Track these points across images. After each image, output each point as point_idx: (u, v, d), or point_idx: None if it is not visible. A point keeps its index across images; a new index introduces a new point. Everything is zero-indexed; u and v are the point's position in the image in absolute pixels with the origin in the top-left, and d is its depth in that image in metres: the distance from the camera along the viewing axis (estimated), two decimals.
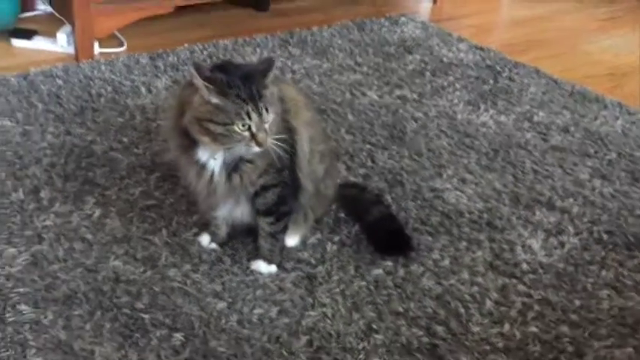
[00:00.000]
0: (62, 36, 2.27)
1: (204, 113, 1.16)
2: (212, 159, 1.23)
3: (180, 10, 2.45)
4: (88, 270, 1.34)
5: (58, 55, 2.26)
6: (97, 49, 2.26)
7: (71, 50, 2.26)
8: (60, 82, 2.03)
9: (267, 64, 1.22)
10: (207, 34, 2.49)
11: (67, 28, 2.29)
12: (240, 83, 1.16)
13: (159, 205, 1.54)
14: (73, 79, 2.06)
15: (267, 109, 1.17)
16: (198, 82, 1.15)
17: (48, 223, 1.46)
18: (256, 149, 1.18)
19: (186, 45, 2.33)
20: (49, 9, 2.42)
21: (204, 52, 2.30)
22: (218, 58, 2.26)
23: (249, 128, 1.16)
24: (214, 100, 1.15)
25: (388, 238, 1.44)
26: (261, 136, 1.17)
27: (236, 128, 1.16)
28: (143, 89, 2.04)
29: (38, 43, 2.30)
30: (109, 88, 2.03)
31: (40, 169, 1.63)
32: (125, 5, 2.24)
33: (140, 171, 1.66)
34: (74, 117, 1.87)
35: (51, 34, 2.32)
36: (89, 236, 1.43)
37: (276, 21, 2.69)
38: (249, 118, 1.16)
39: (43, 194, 1.54)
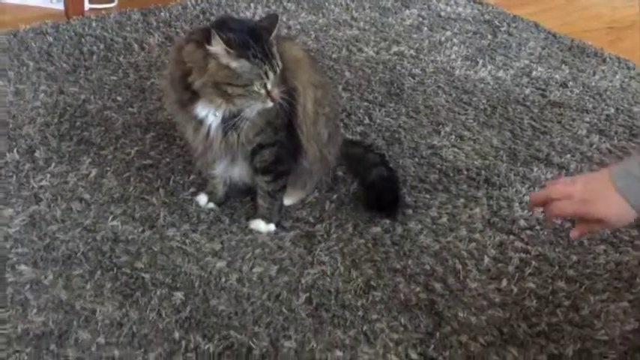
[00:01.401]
0: None
1: (223, 78, 1.15)
2: (212, 115, 1.22)
3: None
4: (87, 230, 1.34)
5: (47, 11, 2.21)
6: (87, 4, 2.21)
7: (60, 6, 2.20)
8: (51, 39, 1.99)
9: (272, 21, 1.21)
10: None
11: None
12: (254, 43, 1.15)
13: (155, 165, 1.53)
14: (63, 36, 2.01)
15: (279, 66, 1.18)
16: (218, 48, 1.13)
17: (44, 183, 1.45)
18: (270, 104, 1.20)
19: (178, 0, 2.28)
20: None
21: (197, 8, 2.25)
22: (211, 14, 2.22)
23: (265, 86, 1.17)
24: (234, 63, 1.15)
25: (379, 200, 1.43)
26: (275, 91, 1.19)
27: (254, 88, 1.17)
28: (136, 46, 2.00)
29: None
30: (101, 46, 1.99)
31: (34, 128, 1.61)
32: None
33: (135, 130, 1.64)
34: (67, 75, 1.84)
35: None
36: (86, 196, 1.42)
37: None
38: (267, 77, 1.17)
39: (38, 154, 1.53)
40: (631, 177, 0.95)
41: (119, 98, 1.76)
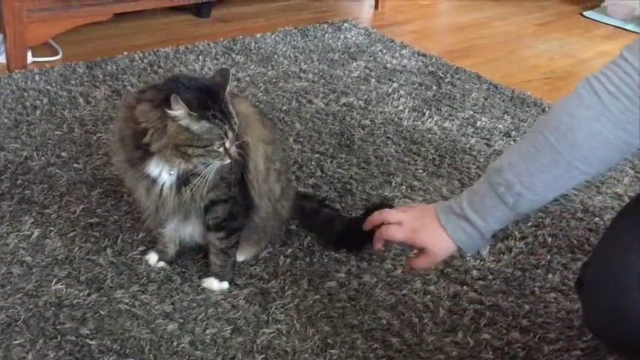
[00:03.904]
0: None
1: (184, 140, 1.14)
2: (167, 174, 1.19)
3: (118, 16, 2.37)
4: (29, 295, 1.27)
5: None
6: (30, 58, 2.16)
7: (2, 60, 2.15)
8: None
9: (224, 76, 1.20)
10: (147, 41, 2.42)
11: None
12: (211, 102, 1.14)
13: (102, 223, 1.48)
14: (5, 90, 1.96)
15: (236, 123, 1.18)
16: (180, 112, 1.11)
17: None
18: (228, 161, 1.19)
19: (125, 53, 2.26)
20: None
21: (145, 61, 2.24)
22: (159, 67, 2.21)
23: (224, 144, 1.16)
24: (195, 126, 1.13)
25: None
26: (233, 149, 1.18)
27: (215, 147, 1.16)
28: (81, 100, 1.96)
29: None
30: (45, 100, 1.94)
31: None
32: (60, 12, 2.15)
33: (81, 187, 1.59)
34: (8, 131, 1.78)
35: None
36: (28, 259, 1.36)
37: (218, 27, 2.65)
38: (227, 136, 1.16)
39: None
40: (451, 213, 1.07)
41: (64, 154, 1.71)
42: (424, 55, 2.51)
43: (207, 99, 1.14)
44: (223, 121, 1.15)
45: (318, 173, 1.75)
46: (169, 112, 1.11)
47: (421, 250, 1.11)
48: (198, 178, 1.18)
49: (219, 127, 1.14)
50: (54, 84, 2.02)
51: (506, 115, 2.15)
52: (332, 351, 1.23)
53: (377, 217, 1.15)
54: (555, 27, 3.06)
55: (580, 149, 0.97)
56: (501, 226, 1.08)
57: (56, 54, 2.24)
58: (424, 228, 1.09)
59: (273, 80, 2.21)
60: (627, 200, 1.67)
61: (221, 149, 1.16)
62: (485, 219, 1.04)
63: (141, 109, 1.15)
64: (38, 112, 1.88)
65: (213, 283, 1.34)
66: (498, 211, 1.04)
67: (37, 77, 2.04)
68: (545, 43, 2.87)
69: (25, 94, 1.95)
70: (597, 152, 0.97)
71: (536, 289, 1.42)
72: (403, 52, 2.53)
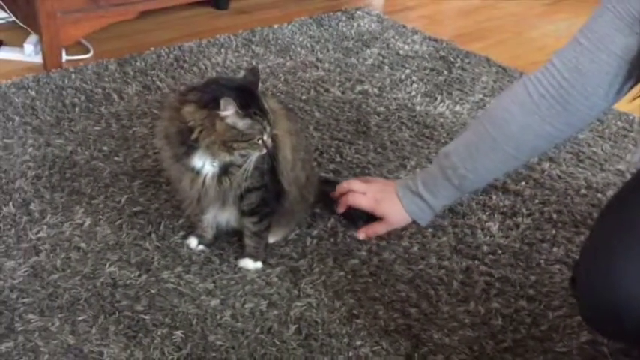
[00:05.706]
0: (29, 46, 2.31)
1: (231, 137, 1.29)
2: (210, 166, 1.34)
3: (143, 13, 2.50)
4: (87, 277, 1.43)
5: (26, 64, 2.29)
6: (64, 56, 2.31)
7: (39, 59, 2.29)
8: (33, 93, 2.08)
9: (255, 75, 1.35)
10: (171, 36, 2.56)
11: (34, 37, 2.32)
12: (251, 101, 1.30)
13: (145, 211, 1.63)
14: (45, 89, 2.11)
15: (271, 118, 1.33)
16: (230, 112, 1.26)
17: (42, 234, 1.53)
18: (264, 152, 1.34)
19: (152, 49, 2.40)
20: (11, 18, 2.44)
21: (171, 56, 2.37)
22: (185, 61, 2.34)
23: (262, 137, 1.32)
24: (240, 124, 1.28)
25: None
26: (269, 141, 1.33)
27: (255, 141, 1.31)
28: (115, 96, 2.11)
29: (5, 54, 2.33)
30: (82, 97, 2.09)
31: (26, 182, 1.70)
32: (90, 13, 2.29)
33: (123, 178, 1.74)
34: (51, 128, 1.93)
35: (17, 44, 2.35)
36: (83, 245, 1.52)
37: (236, 19, 2.77)
38: (265, 130, 1.31)
39: (33, 207, 1.62)
40: (408, 190, 1.29)
41: (104, 148, 1.86)
42: (435, 40, 2.62)
43: (247, 98, 1.29)
44: (262, 117, 1.30)
45: (338, 159, 1.89)
46: (221, 112, 1.26)
47: (381, 219, 1.32)
48: (241, 169, 1.33)
49: (260, 123, 1.29)
50: (89, 81, 2.17)
51: None
52: (357, 320, 1.38)
53: (344, 185, 1.37)
54: (564, 6, 3.14)
55: (513, 139, 1.14)
56: (450, 202, 1.30)
57: (88, 52, 2.38)
58: (385, 200, 1.30)
59: (292, 70, 2.34)
60: (629, 177, 1.79)
61: (260, 142, 1.31)
62: (436, 196, 1.26)
63: (187, 110, 1.30)
64: (77, 108, 2.03)
65: (248, 263, 1.49)
66: (446, 190, 1.25)
67: (72, 75, 2.19)
68: (553, 23, 2.95)
69: (64, 92, 2.10)
70: (528, 142, 1.16)
71: (541, 261, 1.56)
72: (415, 37, 2.63)
